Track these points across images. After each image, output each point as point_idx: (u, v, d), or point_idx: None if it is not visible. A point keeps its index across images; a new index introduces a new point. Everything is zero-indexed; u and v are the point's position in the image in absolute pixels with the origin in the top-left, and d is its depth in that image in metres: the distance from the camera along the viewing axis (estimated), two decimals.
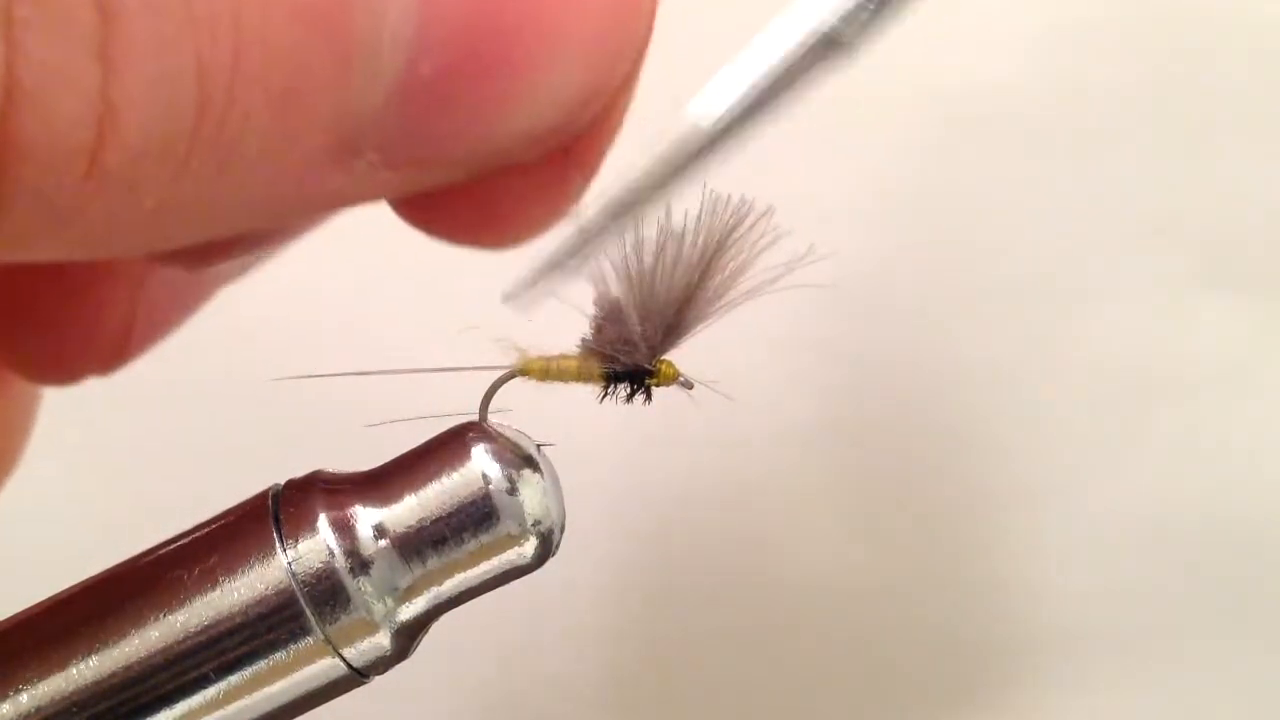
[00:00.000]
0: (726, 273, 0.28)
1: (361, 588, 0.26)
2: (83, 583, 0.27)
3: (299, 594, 0.26)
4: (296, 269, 0.52)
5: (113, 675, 0.26)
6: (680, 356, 0.29)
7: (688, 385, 0.29)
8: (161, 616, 0.26)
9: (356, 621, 0.26)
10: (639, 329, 0.28)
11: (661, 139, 0.22)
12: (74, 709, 0.26)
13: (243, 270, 0.32)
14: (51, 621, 0.26)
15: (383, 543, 0.26)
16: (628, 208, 0.23)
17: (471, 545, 0.26)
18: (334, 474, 0.28)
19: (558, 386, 0.29)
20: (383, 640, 0.26)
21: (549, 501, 0.27)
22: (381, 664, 0.27)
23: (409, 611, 0.27)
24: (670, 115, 0.22)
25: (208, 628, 0.26)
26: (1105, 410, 0.53)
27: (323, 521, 0.26)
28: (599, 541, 0.53)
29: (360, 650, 0.26)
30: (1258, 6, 0.50)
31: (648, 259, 0.27)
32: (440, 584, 0.27)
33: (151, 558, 0.27)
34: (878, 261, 0.51)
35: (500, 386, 0.28)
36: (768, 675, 0.55)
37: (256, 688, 0.26)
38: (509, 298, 0.26)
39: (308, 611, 0.26)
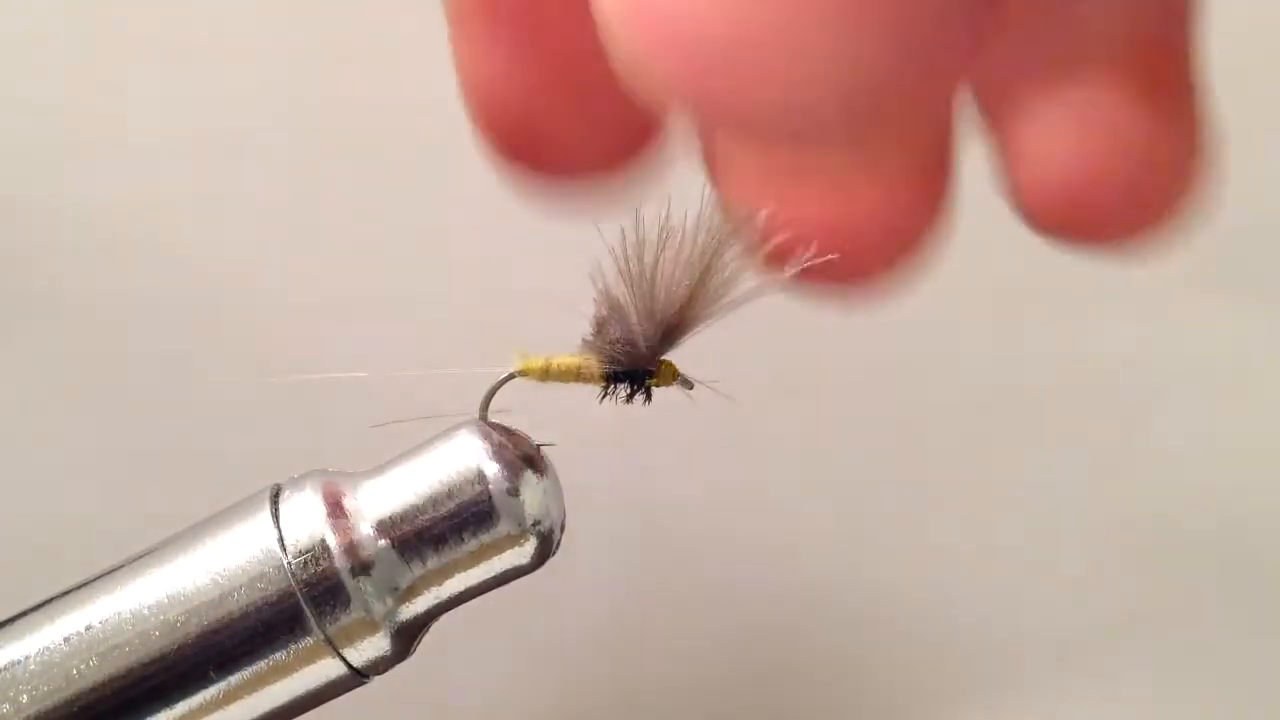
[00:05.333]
0: (728, 272, 0.28)
1: (361, 587, 0.26)
2: (82, 582, 0.27)
3: (299, 594, 0.26)
4: (297, 269, 0.52)
5: (113, 676, 0.26)
6: (680, 356, 0.29)
7: (688, 385, 0.29)
8: (162, 616, 0.26)
9: (356, 621, 0.26)
10: (639, 329, 0.28)
11: None
12: (74, 710, 0.26)
13: None
14: (51, 622, 0.26)
15: (383, 542, 0.26)
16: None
17: (471, 545, 0.26)
18: (334, 473, 0.28)
19: (558, 386, 0.29)
20: (383, 640, 0.26)
21: (549, 501, 0.27)
22: (381, 664, 0.27)
23: (409, 611, 0.27)
24: None
25: (208, 628, 0.26)
26: (1104, 410, 0.53)
27: (322, 521, 0.26)
28: (599, 542, 0.53)
29: (360, 650, 0.26)
30: (1258, 7, 0.50)
31: (648, 258, 0.27)
32: (440, 584, 0.27)
33: (151, 557, 0.27)
34: None
35: (500, 386, 0.28)
36: (767, 675, 0.55)
37: (256, 688, 0.26)
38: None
39: (307, 611, 0.26)
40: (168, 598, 0.26)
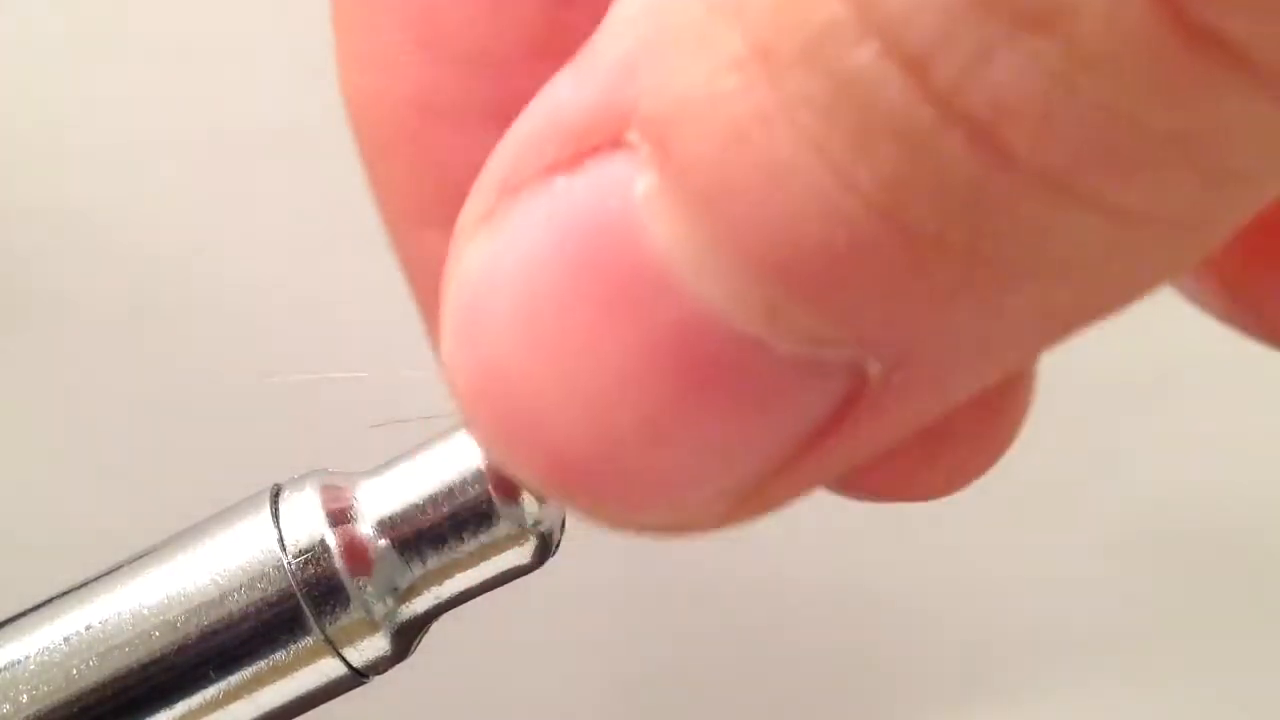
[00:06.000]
0: None
1: (361, 587, 0.26)
2: (82, 582, 0.27)
3: (299, 594, 0.26)
4: (297, 269, 0.52)
5: (113, 676, 0.26)
6: None
7: None
8: (162, 616, 0.26)
9: (356, 621, 0.26)
10: None
11: None
12: (74, 710, 0.26)
13: None
14: (51, 622, 0.26)
15: (383, 542, 0.26)
16: None
17: (471, 545, 0.26)
18: (334, 474, 0.28)
19: None
20: (382, 640, 0.26)
21: (549, 502, 0.27)
22: (381, 664, 0.27)
23: (409, 611, 0.27)
24: None
25: (208, 628, 0.26)
26: (1104, 410, 0.53)
27: (323, 521, 0.26)
28: (599, 541, 0.53)
29: (360, 650, 0.26)
30: None
31: None
32: (440, 584, 0.27)
33: (151, 557, 0.27)
34: None
35: None
36: (767, 674, 0.55)
37: (256, 688, 0.26)
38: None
39: (307, 611, 0.26)
40: (168, 598, 0.26)
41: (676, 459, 0.13)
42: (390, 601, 0.26)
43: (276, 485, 0.27)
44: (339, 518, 0.26)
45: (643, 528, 0.15)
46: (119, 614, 0.26)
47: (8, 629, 0.27)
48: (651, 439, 0.13)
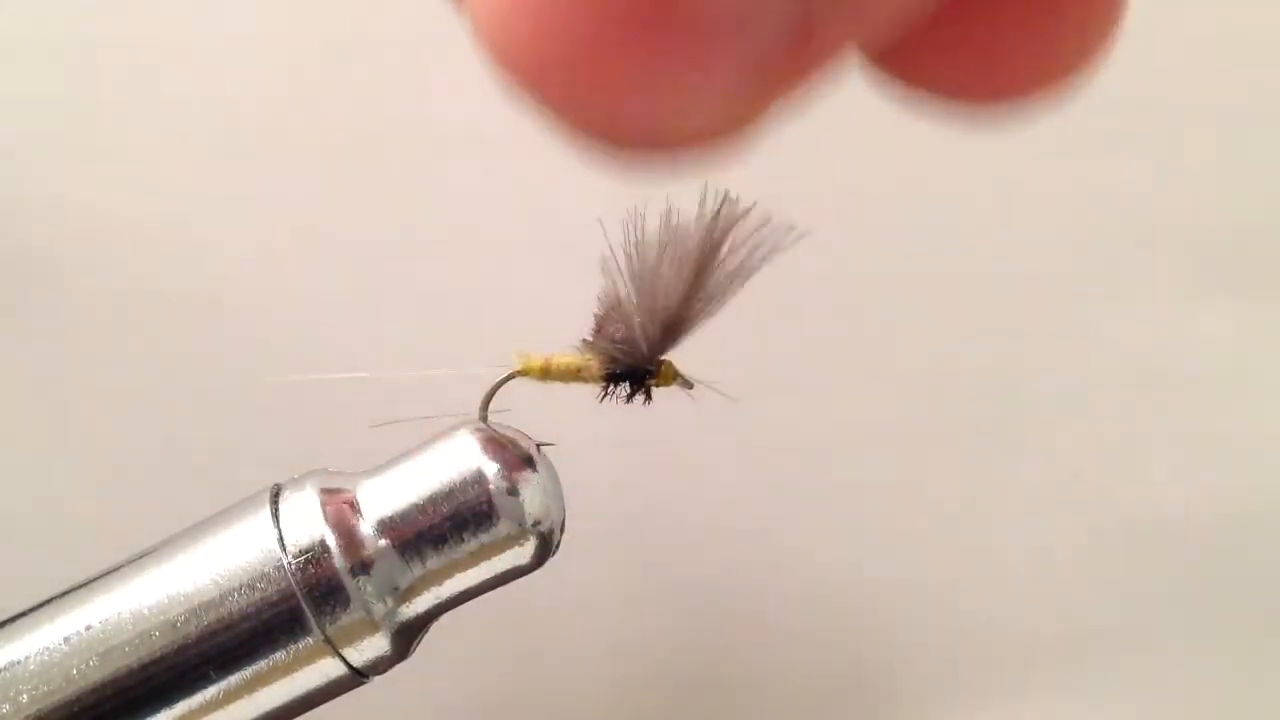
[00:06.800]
0: (727, 270, 0.28)
1: (361, 587, 0.26)
2: (82, 582, 0.27)
3: (299, 594, 0.26)
4: (298, 269, 0.52)
5: (113, 676, 0.26)
6: (680, 355, 0.29)
7: (688, 385, 0.29)
8: (162, 616, 0.26)
9: (356, 621, 0.26)
10: (640, 327, 0.28)
11: None
12: (75, 710, 0.26)
13: None
14: (51, 622, 0.26)
15: (383, 542, 0.26)
16: None
17: (471, 545, 0.26)
18: (334, 473, 0.28)
19: (558, 386, 0.29)
20: (382, 640, 0.26)
21: (549, 501, 0.27)
22: (381, 664, 0.27)
23: (409, 611, 0.27)
24: None
25: (208, 628, 0.26)
26: (1105, 410, 0.53)
27: (322, 521, 0.26)
28: (599, 541, 0.53)
29: (360, 650, 0.26)
30: (1259, 7, 0.50)
31: (649, 257, 0.27)
32: (440, 584, 0.27)
33: (151, 557, 0.27)
34: (877, 261, 0.51)
35: (500, 387, 0.28)
36: (767, 675, 0.55)
37: (256, 688, 0.26)
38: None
39: (307, 611, 0.26)
40: (168, 597, 0.26)
41: (662, 74, 0.15)
42: (390, 601, 0.26)
43: (276, 485, 0.27)
44: (339, 518, 0.26)
45: (671, 133, 0.16)
46: (119, 614, 0.26)
47: (8, 629, 0.27)
48: (632, 61, 0.15)
